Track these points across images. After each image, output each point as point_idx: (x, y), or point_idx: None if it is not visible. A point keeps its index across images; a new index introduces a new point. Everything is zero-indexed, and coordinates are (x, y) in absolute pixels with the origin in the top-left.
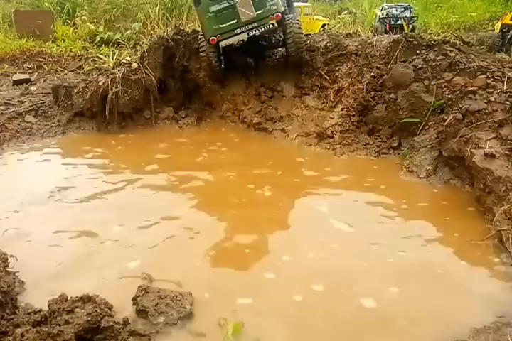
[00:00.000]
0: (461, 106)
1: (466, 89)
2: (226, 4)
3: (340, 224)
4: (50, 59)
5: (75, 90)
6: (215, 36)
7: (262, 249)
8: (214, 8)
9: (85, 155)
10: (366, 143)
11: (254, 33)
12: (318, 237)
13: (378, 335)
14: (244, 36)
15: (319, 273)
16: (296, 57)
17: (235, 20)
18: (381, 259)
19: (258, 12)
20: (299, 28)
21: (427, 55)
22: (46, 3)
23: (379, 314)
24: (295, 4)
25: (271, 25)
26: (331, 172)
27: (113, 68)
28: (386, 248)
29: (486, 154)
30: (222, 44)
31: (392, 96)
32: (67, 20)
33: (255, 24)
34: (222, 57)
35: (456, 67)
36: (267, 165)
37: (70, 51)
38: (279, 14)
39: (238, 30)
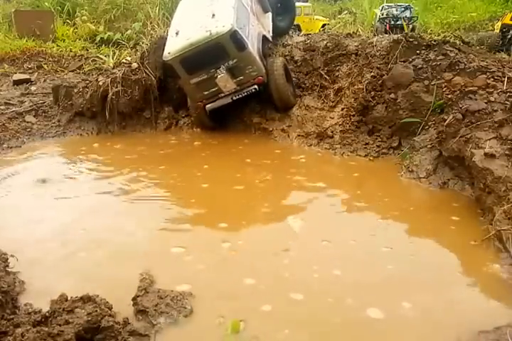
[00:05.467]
0: (461, 106)
1: (466, 89)
2: (205, 76)
3: (336, 225)
4: (50, 59)
5: (75, 90)
6: (201, 101)
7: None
8: (194, 80)
9: (85, 156)
10: (366, 143)
11: (238, 97)
12: (318, 240)
13: None
14: (229, 100)
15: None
16: (283, 104)
17: (217, 88)
18: (382, 261)
19: (239, 78)
20: (282, 79)
21: (427, 55)
22: (46, 3)
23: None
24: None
25: (253, 90)
26: (331, 173)
27: (113, 68)
28: (386, 250)
29: (486, 154)
30: (208, 107)
31: (392, 96)
32: (67, 20)
33: (238, 88)
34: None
35: (456, 67)
36: (266, 164)
37: (70, 51)
38: (261, 78)
39: (222, 95)
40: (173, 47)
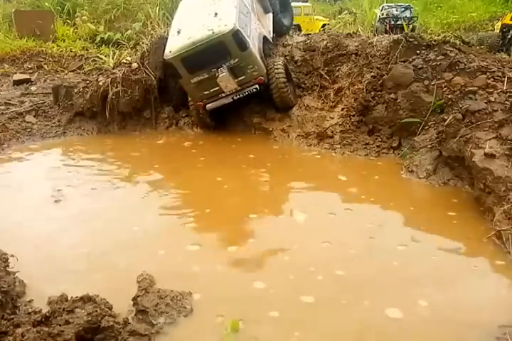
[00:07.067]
0: (461, 106)
1: (466, 89)
2: (206, 75)
3: (342, 225)
4: (51, 59)
5: (75, 90)
6: (201, 101)
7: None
8: (195, 79)
9: (86, 156)
10: (366, 143)
11: (238, 97)
12: (324, 240)
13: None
14: (229, 99)
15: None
16: (283, 104)
17: (218, 87)
18: (382, 261)
19: (240, 78)
20: (283, 79)
21: (427, 55)
22: (46, 3)
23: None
24: (295, 4)
25: (254, 90)
26: (331, 173)
27: (113, 68)
28: (388, 250)
29: (486, 154)
30: (208, 106)
31: (392, 96)
32: (68, 20)
33: (239, 88)
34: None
35: (456, 67)
36: (266, 164)
37: (71, 51)
38: (262, 78)
39: (223, 95)
40: (175, 46)
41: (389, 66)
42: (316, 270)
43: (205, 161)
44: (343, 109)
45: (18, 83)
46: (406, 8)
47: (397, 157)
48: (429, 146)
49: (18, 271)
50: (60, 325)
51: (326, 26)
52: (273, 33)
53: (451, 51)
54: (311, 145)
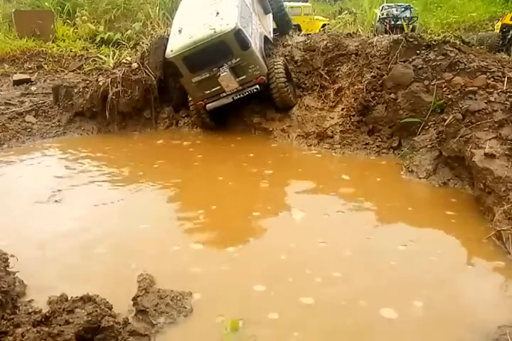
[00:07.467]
0: (461, 106)
1: (466, 89)
2: (208, 74)
3: (340, 225)
4: (51, 59)
5: (76, 90)
6: (202, 101)
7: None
8: (196, 79)
9: (86, 156)
10: (366, 143)
11: (238, 96)
12: (324, 241)
13: None
14: (229, 99)
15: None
16: (283, 104)
17: (219, 87)
18: (380, 261)
19: (241, 78)
20: (283, 79)
21: (427, 55)
22: (46, 3)
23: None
24: (295, 4)
25: (255, 90)
26: (330, 173)
27: (113, 68)
28: (386, 250)
29: (486, 154)
30: (208, 106)
31: (392, 96)
32: (68, 20)
33: (240, 88)
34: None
35: (456, 67)
36: (266, 165)
37: (71, 51)
38: (262, 78)
39: (223, 94)
40: (176, 45)
41: (389, 66)
42: (313, 271)
43: (205, 161)
44: (343, 109)
45: (18, 83)
46: (406, 8)
47: (397, 157)
48: (429, 146)
49: (18, 271)
50: (60, 325)
51: (326, 26)
52: (277, 28)
53: (451, 51)
54: (311, 145)
